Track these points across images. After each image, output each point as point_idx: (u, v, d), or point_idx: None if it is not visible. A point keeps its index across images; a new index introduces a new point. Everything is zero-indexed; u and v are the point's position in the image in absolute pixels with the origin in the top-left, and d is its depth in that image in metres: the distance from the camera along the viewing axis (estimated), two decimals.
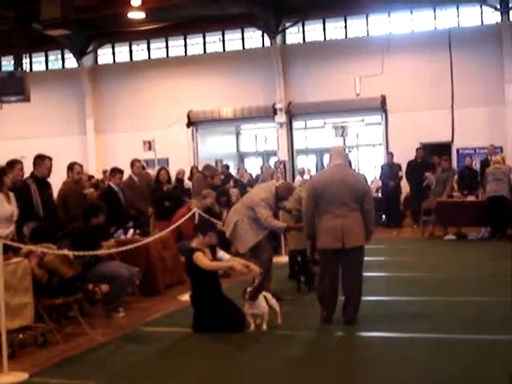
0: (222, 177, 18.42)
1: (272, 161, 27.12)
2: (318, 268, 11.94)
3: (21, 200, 9.72)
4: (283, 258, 12.54)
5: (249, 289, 8.30)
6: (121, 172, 12.74)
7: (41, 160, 10.29)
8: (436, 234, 17.40)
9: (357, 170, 23.81)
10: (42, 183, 10.28)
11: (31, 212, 9.87)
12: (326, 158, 25.73)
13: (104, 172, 21.23)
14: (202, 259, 8.38)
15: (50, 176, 10.45)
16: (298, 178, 22.09)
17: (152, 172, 18.24)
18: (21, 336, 7.86)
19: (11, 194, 9.38)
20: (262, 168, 22.02)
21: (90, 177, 19.32)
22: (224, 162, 24.35)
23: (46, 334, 8.26)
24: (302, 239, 11.76)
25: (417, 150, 20.47)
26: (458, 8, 23.72)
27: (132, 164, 13.63)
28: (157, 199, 14.17)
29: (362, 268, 8.70)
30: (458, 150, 23.15)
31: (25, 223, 9.51)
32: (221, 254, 8.87)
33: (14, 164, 10.13)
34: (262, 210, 9.79)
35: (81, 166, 11.98)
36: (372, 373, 6.78)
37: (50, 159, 10.38)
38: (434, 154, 20.46)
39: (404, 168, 20.56)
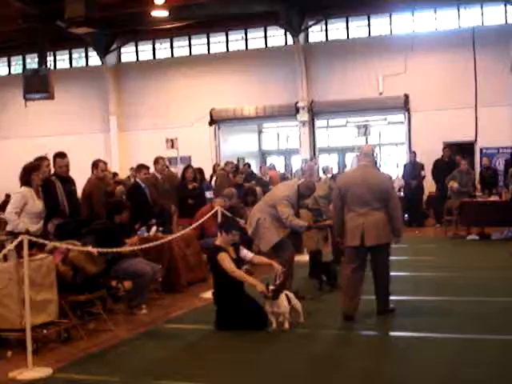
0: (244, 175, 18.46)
1: (294, 160, 27.14)
2: (340, 266, 12.07)
3: (47, 197, 9.84)
4: (305, 257, 12.52)
5: (271, 287, 8.30)
6: (147, 168, 12.82)
7: (54, 160, 10.38)
8: (459, 233, 17.32)
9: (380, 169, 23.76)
10: (66, 180, 10.35)
11: (57, 209, 9.95)
12: (349, 156, 25.76)
13: (131, 169, 21.35)
14: (228, 263, 8.40)
15: (68, 173, 10.49)
16: (321, 175, 22.03)
17: (175, 170, 18.31)
18: (45, 332, 7.91)
19: (40, 191, 9.51)
20: (302, 166, 21.97)
21: (114, 174, 19.39)
22: (246, 161, 24.35)
23: (69, 329, 8.33)
24: (320, 239, 11.79)
25: (443, 149, 20.38)
26: (481, 7, 23.55)
27: (156, 161, 13.66)
28: (181, 197, 14.22)
29: (387, 266, 8.95)
30: (481, 150, 22.99)
31: (49, 220, 9.59)
32: (244, 252, 8.87)
33: (40, 161, 10.22)
34: (283, 209, 9.81)
35: (105, 164, 12.03)
36: (395, 372, 6.76)
37: (64, 157, 10.40)
38: (457, 153, 20.37)
39: (427, 167, 20.50)
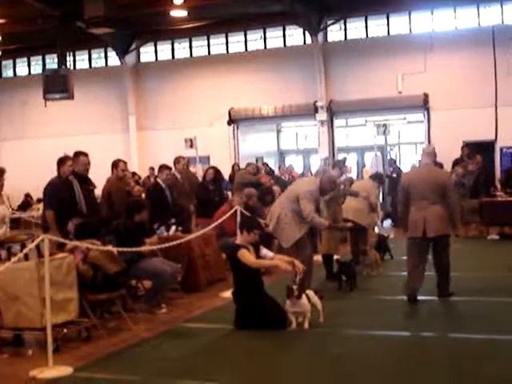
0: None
1: (313, 159, 27.08)
2: (360, 266, 12.05)
3: (64, 197, 9.88)
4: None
5: (295, 286, 8.27)
6: (169, 169, 12.85)
7: (76, 157, 10.36)
8: (479, 233, 17.20)
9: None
10: (84, 180, 10.36)
11: (75, 208, 9.97)
12: (368, 156, 25.68)
13: (150, 168, 21.45)
14: (248, 256, 8.39)
15: (88, 172, 10.48)
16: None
17: (193, 170, 18.34)
18: (65, 331, 7.93)
19: (4, 196, 9.47)
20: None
21: (134, 174, 19.46)
22: (264, 160, 24.34)
23: (89, 328, 8.34)
24: (333, 244, 11.70)
25: (462, 148, 20.28)
26: (501, 5, 23.44)
27: (177, 161, 13.67)
28: (201, 197, 14.27)
29: (448, 255, 9.85)
30: (501, 149, 22.89)
31: (70, 219, 9.62)
32: (264, 251, 8.81)
33: (64, 160, 10.28)
34: (306, 204, 9.72)
35: (125, 163, 12.08)
36: (414, 372, 6.72)
37: (86, 155, 10.41)
38: (477, 152, 20.27)
39: (446, 166, 20.37)
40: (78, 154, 10.42)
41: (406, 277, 9.83)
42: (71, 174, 10.23)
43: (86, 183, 10.48)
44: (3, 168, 9.63)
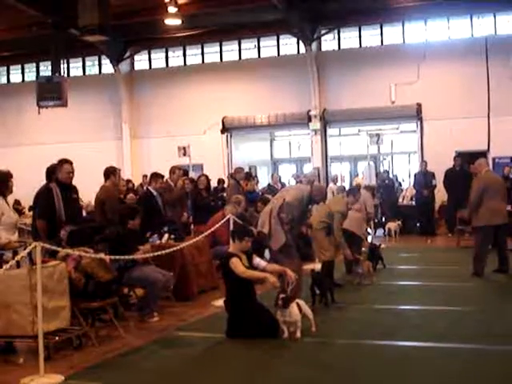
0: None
1: (306, 168, 27.09)
2: (352, 275, 12.04)
3: (43, 204, 9.78)
4: (317, 265, 12.36)
5: (281, 295, 8.29)
6: (161, 177, 12.82)
7: (60, 165, 10.14)
8: (471, 243, 17.18)
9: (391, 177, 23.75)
10: (67, 187, 10.16)
11: (54, 215, 9.80)
12: (361, 165, 25.72)
13: (144, 176, 21.42)
14: (239, 266, 8.39)
15: (71, 180, 10.22)
16: (331, 185, 22.06)
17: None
18: (57, 338, 7.91)
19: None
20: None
21: (128, 181, 19.44)
22: (258, 169, 24.34)
23: (81, 336, 8.33)
24: (334, 250, 11.69)
25: (454, 158, 20.35)
26: (494, 16, 23.53)
27: (172, 171, 13.64)
28: (197, 204, 14.32)
29: (506, 237, 12.88)
30: (494, 159, 22.94)
31: (62, 227, 9.54)
32: (257, 260, 8.80)
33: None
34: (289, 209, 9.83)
35: (119, 171, 12.07)
36: (406, 382, 6.72)
37: (70, 163, 10.17)
38: (469, 162, 20.35)
39: (439, 176, 20.46)
40: (62, 161, 10.18)
41: (477, 256, 12.40)
42: (53, 182, 10.05)
43: (70, 191, 10.30)
44: (10, 172, 9.56)
